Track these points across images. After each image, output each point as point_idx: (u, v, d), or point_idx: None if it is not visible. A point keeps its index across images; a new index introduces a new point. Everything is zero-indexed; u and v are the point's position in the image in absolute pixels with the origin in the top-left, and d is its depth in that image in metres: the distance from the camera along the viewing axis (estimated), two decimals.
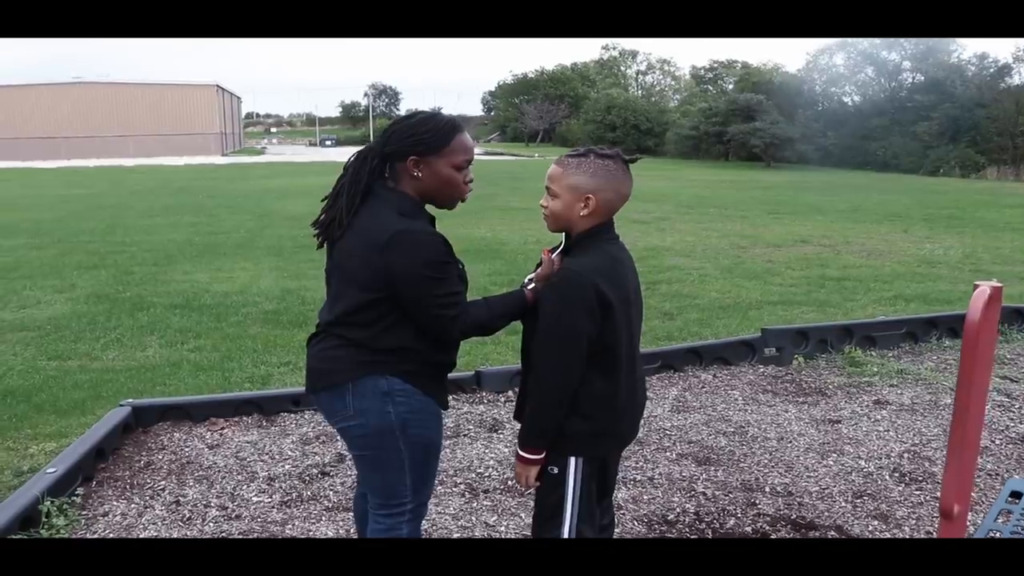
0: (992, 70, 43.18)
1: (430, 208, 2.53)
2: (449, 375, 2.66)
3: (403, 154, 2.42)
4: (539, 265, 2.60)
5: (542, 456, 2.42)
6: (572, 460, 2.40)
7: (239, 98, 78.35)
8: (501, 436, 4.51)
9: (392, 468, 2.47)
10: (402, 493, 2.49)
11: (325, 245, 2.54)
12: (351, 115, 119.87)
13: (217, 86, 61.67)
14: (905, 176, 36.01)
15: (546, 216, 2.48)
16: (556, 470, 2.41)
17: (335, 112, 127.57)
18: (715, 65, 71.98)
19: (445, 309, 2.36)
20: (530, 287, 2.51)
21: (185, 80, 61.32)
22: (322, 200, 2.52)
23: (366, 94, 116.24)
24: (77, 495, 3.74)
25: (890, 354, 6.13)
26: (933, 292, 9.22)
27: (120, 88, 57.62)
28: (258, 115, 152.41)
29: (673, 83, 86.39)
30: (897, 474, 4.02)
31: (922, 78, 44.95)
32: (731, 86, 62.38)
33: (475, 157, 2.58)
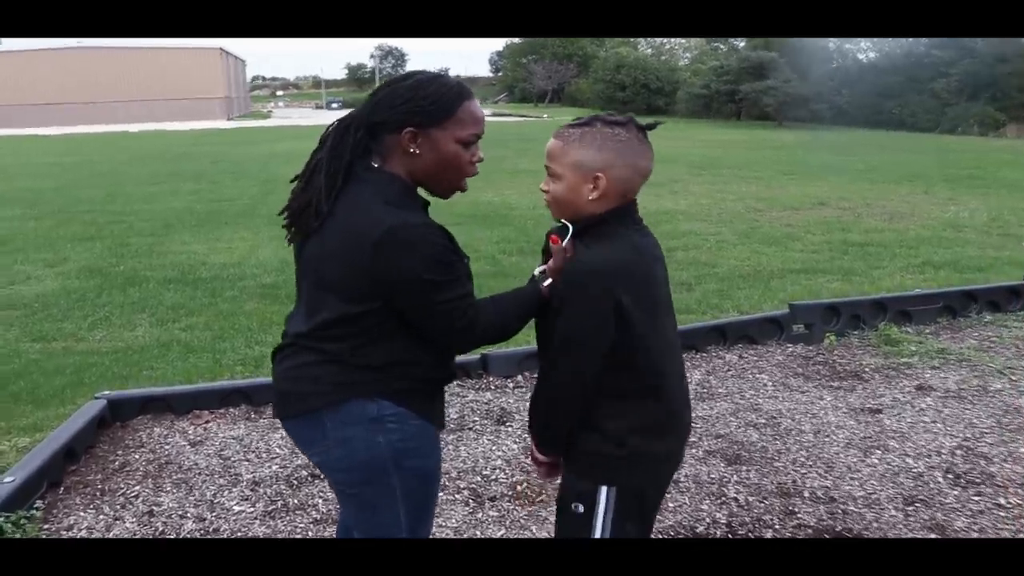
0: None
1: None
2: None
3: (397, 124, 1.95)
4: (545, 251, 2.16)
5: (559, 458, 2.09)
6: (603, 492, 1.97)
7: (244, 61, 77.57)
8: (510, 429, 4.12)
9: (384, 507, 2.03)
10: (396, 534, 2.04)
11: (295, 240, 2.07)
12: (357, 77, 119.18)
13: (221, 49, 60.90)
14: (922, 135, 35.32)
15: (548, 203, 2.05)
16: (581, 508, 1.98)
17: (341, 74, 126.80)
18: None
19: (453, 318, 1.94)
20: (545, 284, 2.05)
21: (188, 44, 60.52)
22: (291, 181, 2.06)
23: (372, 56, 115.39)
24: (37, 508, 3.35)
25: (927, 331, 5.70)
26: (962, 258, 8.80)
27: (123, 53, 56.84)
28: (264, 78, 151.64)
29: (684, 41, 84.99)
30: (951, 475, 3.61)
31: None
32: (743, 43, 61.32)
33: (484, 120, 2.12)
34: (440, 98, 1.95)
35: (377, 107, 1.98)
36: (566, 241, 2.02)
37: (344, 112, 2.09)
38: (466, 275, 1.99)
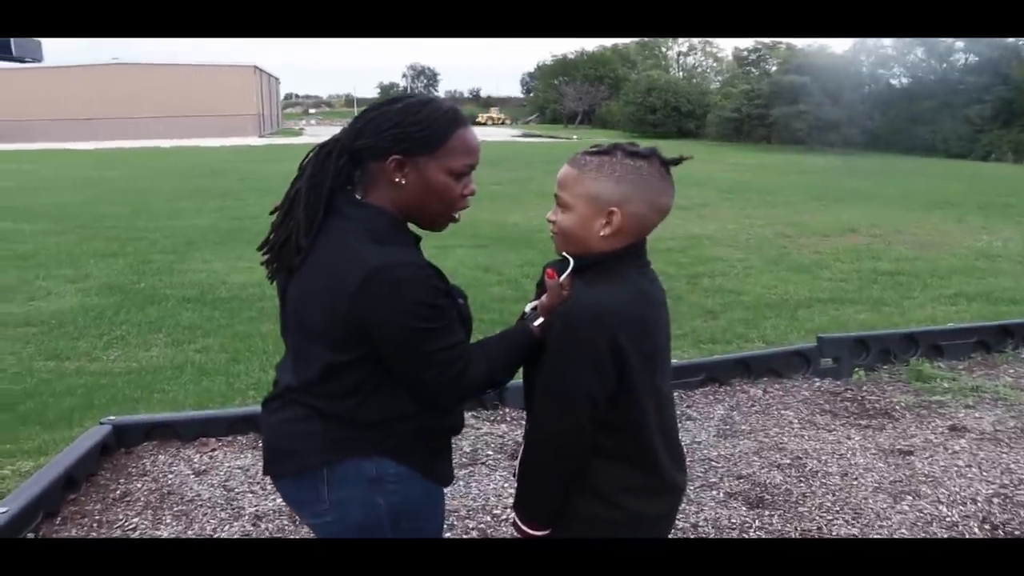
0: None
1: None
2: None
3: (382, 152, 1.78)
4: (538, 286, 2.00)
5: (546, 532, 1.86)
6: None
7: (277, 79, 78.17)
8: None
9: None
10: None
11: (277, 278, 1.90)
12: (389, 96, 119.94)
13: (255, 67, 61.37)
14: (955, 161, 34.87)
15: (554, 234, 1.87)
16: None
17: (374, 93, 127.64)
18: (758, 46, 70.46)
19: (438, 370, 1.75)
20: (536, 323, 1.88)
21: (223, 61, 61.12)
22: (270, 213, 1.89)
23: (404, 75, 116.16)
24: (28, 539, 3.24)
25: (960, 366, 5.50)
26: (996, 290, 8.58)
27: (157, 69, 57.47)
28: (297, 96, 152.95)
29: (715, 64, 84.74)
30: (988, 525, 3.42)
31: (975, 58, 43.43)
32: (774, 67, 61.03)
33: (511, 140, 1.93)
34: (431, 124, 1.78)
35: (362, 132, 1.81)
36: (563, 277, 1.85)
37: None
38: (458, 320, 1.81)
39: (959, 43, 44.27)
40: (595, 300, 1.74)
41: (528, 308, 1.95)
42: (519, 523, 1.90)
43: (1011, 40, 41.49)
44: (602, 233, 1.78)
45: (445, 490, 1.98)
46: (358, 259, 1.70)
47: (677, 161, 1.83)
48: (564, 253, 1.86)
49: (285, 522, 3.46)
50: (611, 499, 1.81)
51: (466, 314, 1.86)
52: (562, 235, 1.84)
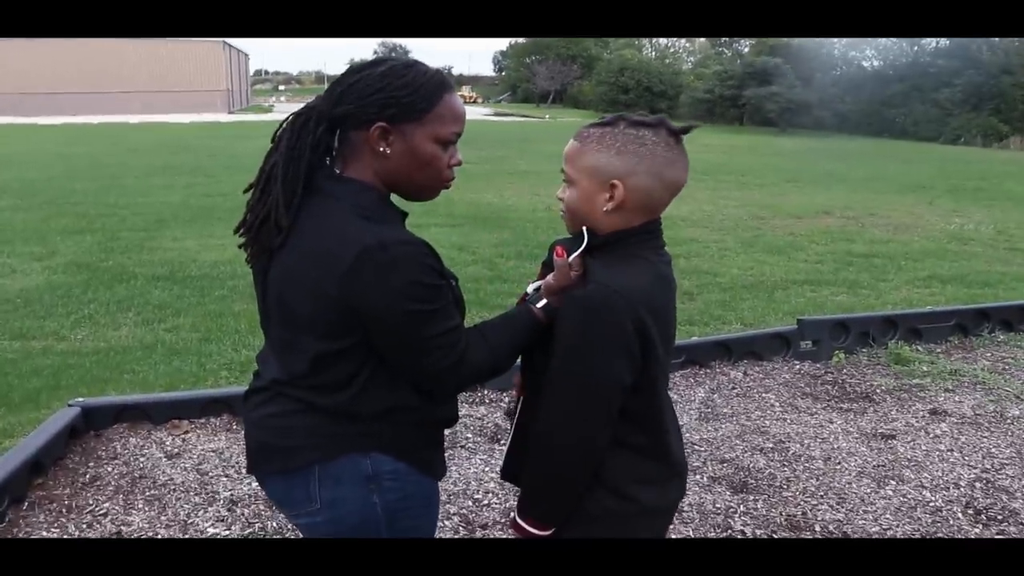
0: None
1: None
2: None
3: (365, 119, 1.63)
4: (544, 266, 1.87)
5: (549, 532, 1.74)
6: None
7: (246, 55, 77.13)
8: (504, 448, 3.91)
9: None
10: None
11: (257, 260, 1.74)
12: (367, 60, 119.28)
13: (224, 42, 60.44)
14: (925, 144, 35.18)
15: (563, 213, 1.76)
16: None
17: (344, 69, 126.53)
18: None
19: (437, 356, 1.62)
20: (539, 304, 1.74)
21: (191, 36, 60.22)
22: (244, 191, 1.73)
23: (375, 52, 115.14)
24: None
25: (939, 349, 5.50)
26: (970, 273, 8.64)
27: (125, 44, 56.32)
28: (266, 72, 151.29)
29: (687, 45, 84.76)
30: (971, 510, 3.40)
31: (946, 42, 43.75)
32: (747, 49, 61.11)
33: (484, 118, 1.80)
34: (418, 88, 1.64)
35: (343, 98, 1.65)
36: (574, 256, 1.72)
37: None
38: (454, 302, 1.69)
39: None
40: (620, 283, 1.61)
41: (531, 288, 1.82)
42: (525, 525, 1.75)
43: None
44: (605, 208, 1.67)
45: None
46: (347, 237, 1.57)
47: (686, 130, 1.72)
48: (579, 230, 1.74)
49: (261, 507, 3.37)
50: (624, 491, 1.72)
51: (459, 297, 1.74)
52: (569, 213, 1.74)
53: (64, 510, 3.34)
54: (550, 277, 1.76)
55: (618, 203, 1.66)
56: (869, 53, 48.68)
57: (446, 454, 3.70)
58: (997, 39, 40.91)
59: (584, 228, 1.72)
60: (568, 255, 1.73)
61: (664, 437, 1.77)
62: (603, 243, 1.71)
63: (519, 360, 1.85)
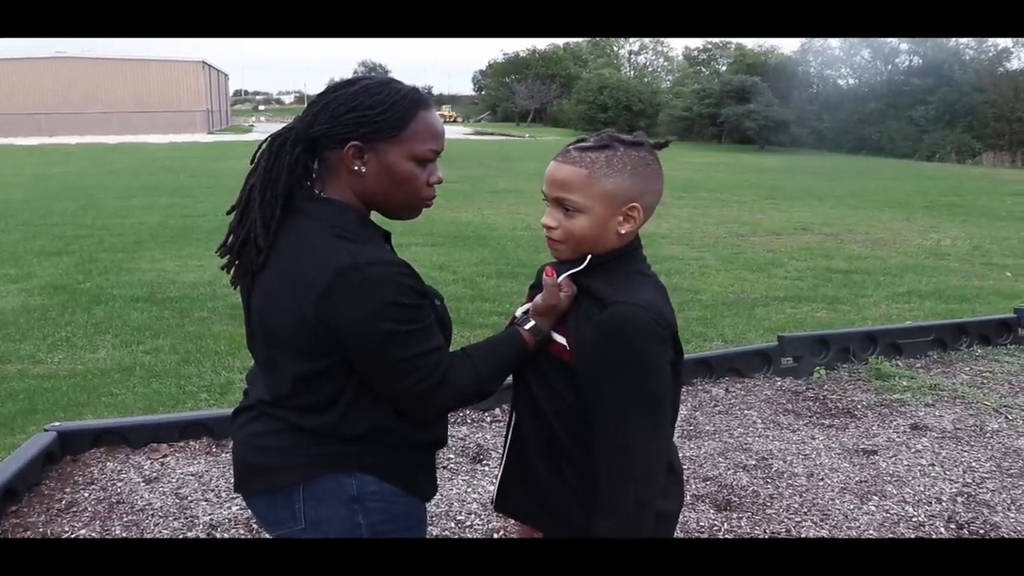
0: (991, 54, 42.62)
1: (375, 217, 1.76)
2: None
3: (339, 138, 1.63)
4: (532, 289, 1.84)
5: None
6: None
7: (226, 75, 76.99)
8: (487, 469, 3.89)
9: None
10: None
11: (240, 282, 1.75)
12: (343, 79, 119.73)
13: (203, 62, 60.33)
14: (900, 161, 35.58)
15: (557, 241, 1.71)
16: None
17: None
18: (709, 46, 71.04)
19: (416, 377, 1.60)
20: (527, 326, 1.72)
21: (171, 56, 60.07)
22: (227, 213, 1.73)
23: (355, 72, 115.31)
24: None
25: (918, 364, 5.53)
26: (947, 288, 8.71)
27: (104, 63, 56.23)
28: (246, 92, 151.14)
29: (666, 64, 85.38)
30: (953, 525, 3.41)
31: (920, 61, 44.40)
32: (725, 67, 61.67)
33: (464, 137, 1.79)
34: (391, 106, 1.64)
35: (317, 118, 1.66)
36: (563, 277, 1.70)
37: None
38: (437, 322, 1.67)
39: (904, 45, 45.18)
40: (644, 299, 1.61)
41: (519, 312, 1.80)
42: None
43: (953, 43, 42.41)
44: (622, 231, 1.67)
45: None
46: (323, 259, 1.57)
47: (663, 145, 1.76)
48: (580, 256, 1.71)
49: (242, 531, 3.33)
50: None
51: (444, 317, 1.73)
52: (572, 241, 1.69)
53: (38, 537, 3.28)
54: (538, 298, 1.74)
55: (637, 223, 1.67)
56: (845, 71, 49.27)
57: None
58: (968, 58, 41.56)
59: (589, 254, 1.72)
60: (557, 276, 1.72)
61: (671, 446, 1.77)
62: (600, 263, 1.69)
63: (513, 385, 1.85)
